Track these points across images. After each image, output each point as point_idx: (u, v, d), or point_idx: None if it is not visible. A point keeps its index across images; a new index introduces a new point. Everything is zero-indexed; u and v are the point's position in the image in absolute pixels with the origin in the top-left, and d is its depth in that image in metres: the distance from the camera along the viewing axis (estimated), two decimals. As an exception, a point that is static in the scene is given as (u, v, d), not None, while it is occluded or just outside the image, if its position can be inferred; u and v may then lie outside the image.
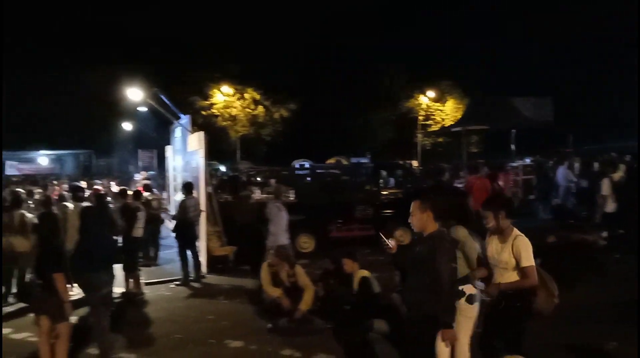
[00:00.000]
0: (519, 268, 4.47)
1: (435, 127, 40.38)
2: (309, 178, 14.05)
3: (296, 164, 27.64)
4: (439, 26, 43.96)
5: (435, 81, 40.85)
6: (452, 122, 32.66)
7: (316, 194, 12.54)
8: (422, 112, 41.95)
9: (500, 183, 12.04)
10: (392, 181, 14.66)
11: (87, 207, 6.92)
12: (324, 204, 12.09)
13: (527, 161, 22.62)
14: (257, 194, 12.84)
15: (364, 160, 26.74)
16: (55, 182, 18.98)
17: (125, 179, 19.94)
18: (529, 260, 4.44)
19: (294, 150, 36.22)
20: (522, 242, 4.49)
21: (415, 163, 34.03)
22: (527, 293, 4.47)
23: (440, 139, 40.68)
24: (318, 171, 14.72)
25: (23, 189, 14.08)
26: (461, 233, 4.99)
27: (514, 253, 4.48)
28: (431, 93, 41.19)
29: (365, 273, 7.13)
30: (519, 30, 42.44)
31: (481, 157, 29.57)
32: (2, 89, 23.87)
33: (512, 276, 4.54)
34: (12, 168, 35.65)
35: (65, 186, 16.00)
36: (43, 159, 35.78)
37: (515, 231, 4.58)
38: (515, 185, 16.17)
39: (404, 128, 41.57)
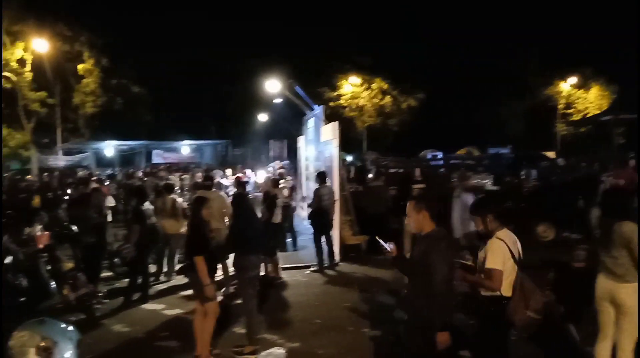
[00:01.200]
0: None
1: (577, 117, 37.53)
2: (442, 169, 13.68)
3: (428, 154, 27.16)
4: (580, 9, 40.57)
5: (577, 67, 37.86)
6: (597, 111, 30.14)
7: (450, 185, 12.13)
8: (563, 100, 39.21)
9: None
10: (534, 172, 13.81)
11: (239, 193, 7.32)
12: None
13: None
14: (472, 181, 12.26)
15: (503, 150, 25.42)
16: (197, 170, 20.43)
17: (260, 168, 20.90)
18: (494, 263, 4.32)
19: (421, 140, 35.68)
20: (493, 244, 4.40)
21: (552, 154, 31.94)
22: (500, 300, 4.37)
23: (582, 129, 37.72)
24: (452, 161, 14.25)
25: (171, 176, 15.33)
26: (629, 228, 4.57)
27: (485, 253, 4.43)
28: (573, 80, 38.29)
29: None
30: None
31: (631, 149, 26.96)
32: (1, 89, 25.73)
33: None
34: (158, 157, 38.85)
35: (200, 174, 17.10)
36: (185, 148, 38.58)
37: (500, 233, 4.45)
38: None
39: (541, 117, 39.11)
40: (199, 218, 5.81)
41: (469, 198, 8.30)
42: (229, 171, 18.61)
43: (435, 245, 4.04)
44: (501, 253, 4.36)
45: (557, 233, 11.13)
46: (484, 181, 9.19)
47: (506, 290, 4.37)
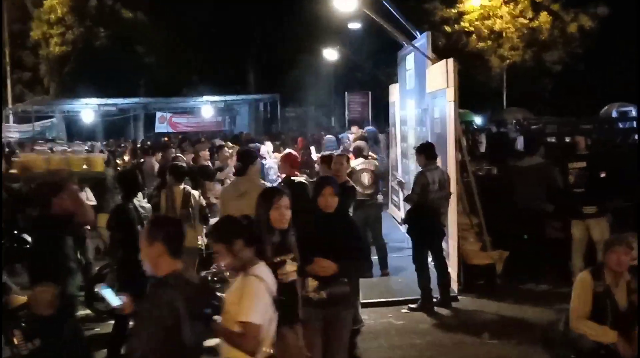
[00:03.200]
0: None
1: None
2: (636, 135, 13.29)
3: (613, 111, 26.28)
4: None
5: None
6: None
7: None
8: None
9: None
10: None
11: (293, 181, 7.46)
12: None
13: None
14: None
15: None
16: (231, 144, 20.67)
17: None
18: (246, 313, 4.53)
19: (604, 88, 34.69)
20: (249, 285, 4.63)
21: None
22: None
23: None
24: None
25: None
26: None
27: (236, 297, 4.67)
28: None
29: None
30: None
31: None
32: (1, 87, 26.61)
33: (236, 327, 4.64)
34: (162, 124, 39.63)
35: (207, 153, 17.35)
36: (207, 109, 38.91)
37: (255, 268, 4.73)
38: None
39: None
40: (259, 220, 5.86)
41: None
42: (270, 146, 18.82)
43: (152, 298, 4.38)
44: (263, 300, 4.63)
45: None
46: None
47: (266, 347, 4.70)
